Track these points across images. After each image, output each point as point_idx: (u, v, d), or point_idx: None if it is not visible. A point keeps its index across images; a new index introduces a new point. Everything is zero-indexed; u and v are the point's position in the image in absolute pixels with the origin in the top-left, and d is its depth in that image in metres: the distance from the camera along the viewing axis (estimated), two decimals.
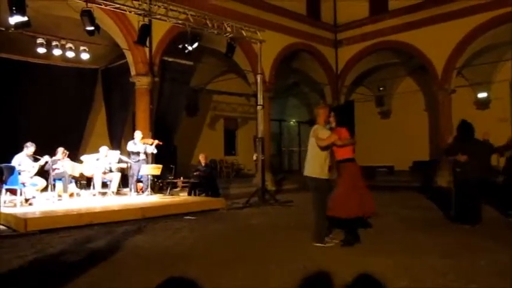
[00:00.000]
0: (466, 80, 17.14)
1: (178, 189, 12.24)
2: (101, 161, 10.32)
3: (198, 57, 14.23)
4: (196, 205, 9.43)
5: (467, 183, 7.09)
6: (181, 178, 12.53)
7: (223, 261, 5.04)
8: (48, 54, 12.23)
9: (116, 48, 12.69)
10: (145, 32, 10.46)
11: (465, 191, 7.15)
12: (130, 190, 10.83)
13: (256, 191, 10.95)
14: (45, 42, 11.81)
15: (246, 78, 15.80)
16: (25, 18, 8.43)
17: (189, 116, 17.07)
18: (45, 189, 9.35)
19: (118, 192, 10.74)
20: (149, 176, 10.89)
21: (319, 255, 5.17)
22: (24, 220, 6.70)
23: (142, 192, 10.94)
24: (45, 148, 9.49)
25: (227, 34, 11.56)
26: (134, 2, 10.00)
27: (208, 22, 11.13)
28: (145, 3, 10.30)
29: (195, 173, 11.30)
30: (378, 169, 18.00)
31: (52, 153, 9.62)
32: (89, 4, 9.09)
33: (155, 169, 10.75)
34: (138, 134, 11.07)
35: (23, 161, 8.79)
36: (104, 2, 9.54)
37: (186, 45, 10.83)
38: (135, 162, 10.84)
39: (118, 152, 11.26)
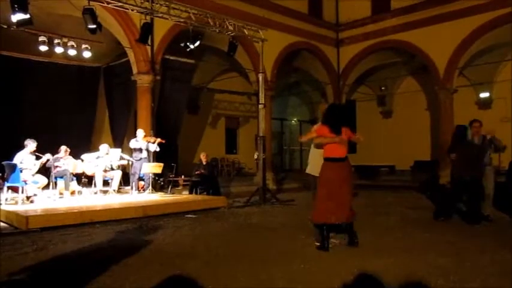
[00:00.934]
0: (468, 79, 17.12)
1: (180, 188, 12.26)
2: (102, 159, 10.34)
3: (199, 55, 14.25)
4: (197, 204, 9.44)
5: (456, 182, 7.50)
6: (182, 177, 12.54)
7: (224, 260, 5.05)
8: (50, 52, 12.25)
9: (117, 46, 12.70)
10: (147, 30, 10.47)
11: (455, 190, 7.60)
12: (132, 188, 10.85)
13: (257, 190, 10.95)
14: (47, 40, 11.84)
15: (247, 76, 15.81)
16: (27, 16, 8.45)
17: (190, 114, 17.08)
18: (46, 187, 9.38)
19: (119, 191, 10.76)
20: (150, 175, 10.91)
21: (319, 255, 5.17)
22: (26, 218, 6.72)
23: (144, 190, 10.96)
24: (47, 146, 9.52)
25: (229, 33, 11.55)
26: (136, 0, 10.00)
27: (210, 20, 11.12)
28: (147, 1, 10.29)
29: (196, 172, 11.31)
30: (380, 168, 18.01)
31: (54, 151, 9.65)
32: (91, 2, 9.09)
33: (156, 167, 10.77)
34: (140, 132, 11.08)
35: (25, 159, 8.81)
36: (106, 0, 9.55)
37: (188, 43, 10.84)
38: (136, 160, 10.86)
39: (119, 150, 11.28)
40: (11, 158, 8.76)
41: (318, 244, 5.45)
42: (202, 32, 11.30)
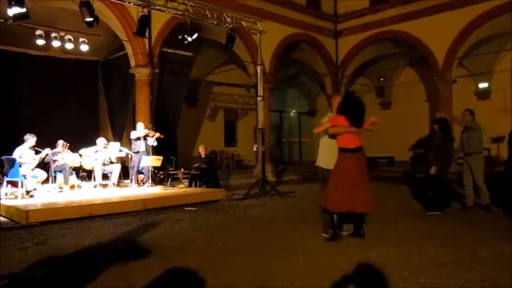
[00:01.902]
0: (467, 70, 17.08)
1: (179, 181, 12.25)
2: (101, 153, 10.33)
3: (197, 48, 14.18)
4: (196, 196, 9.45)
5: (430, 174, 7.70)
6: (182, 169, 12.54)
7: (224, 252, 5.06)
8: (47, 46, 12.18)
9: (115, 39, 12.63)
10: (144, 23, 10.42)
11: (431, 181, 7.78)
12: (131, 182, 10.85)
13: (256, 182, 10.97)
14: (43, 34, 11.73)
15: (246, 69, 15.75)
16: (23, 10, 8.40)
17: (189, 107, 17.05)
18: (46, 181, 9.39)
19: (119, 184, 10.77)
20: (150, 168, 10.91)
21: (319, 246, 5.19)
22: (26, 212, 6.73)
23: (143, 183, 10.96)
24: (47, 140, 9.52)
25: (227, 25, 11.50)
26: None
27: (207, 13, 11.07)
28: None
29: (195, 165, 11.31)
30: (379, 160, 18.02)
31: (54, 146, 9.64)
32: None
33: (156, 161, 10.77)
34: (140, 125, 11.07)
35: (24, 153, 8.80)
36: None
37: (186, 36, 10.80)
38: (135, 153, 10.85)
39: (118, 143, 11.27)
40: (10, 153, 8.76)
41: (327, 236, 5.47)
42: (200, 25, 11.25)
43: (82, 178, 10.38)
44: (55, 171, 9.54)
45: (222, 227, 6.77)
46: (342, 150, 5.44)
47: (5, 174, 8.64)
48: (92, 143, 10.59)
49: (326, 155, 5.74)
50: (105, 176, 10.52)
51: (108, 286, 3.83)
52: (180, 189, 10.82)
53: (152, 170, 11.13)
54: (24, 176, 8.62)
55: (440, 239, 5.47)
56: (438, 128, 7.80)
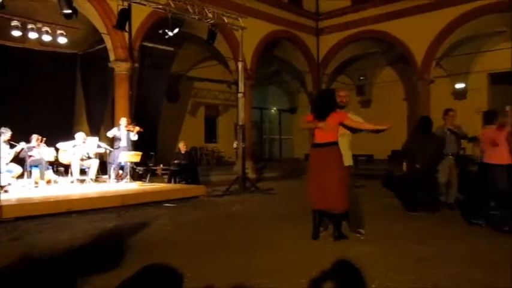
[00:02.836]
0: (445, 70, 17.38)
1: (158, 177, 12.15)
2: (78, 148, 10.15)
3: (179, 43, 14.06)
4: (176, 192, 9.39)
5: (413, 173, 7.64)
6: (161, 165, 12.45)
7: (203, 248, 5.05)
8: (24, 38, 11.89)
9: (94, 32, 12.40)
10: (124, 16, 10.25)
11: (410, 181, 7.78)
12: (110, 177, 10.71)
13: (236, 179, 10.96)
14: (20, 25, 11.47)
15: (227, 65, 15.70)
16: None
17: (169, 102, 16.90)
18: (21, 176, 9.18)
19: (97, 180, 10.61)
20: (129, 163, 10.78)
21: (298, 243, 5.21)
22: (0, 207, 6.56)
23: (122, 179, 10.83)
24: (23, 135, 9.31)
25: (208, 20, 11.43)
26: None
27: (189, 8, 10.98)
28: None
29: (175, 161, 11.24)
30: (358, 157, 18.20)
31: (29, 140, 9.44)
32: None
33: (135, 156, 10.64)
34: (123, 121, 10.93)
35: None
36: None
37: (167, 30, 10.66)
38: (115, 148, 10.72)
39: (96, 138, 11.09)
40: None
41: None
42: (181, 19, 11.13)
43: (59, 173, 10.19)
44: (30, 166, 9.33)
45: (202, 224, 6.75)
46: (311, 146, 5.50)
47: None
48: (67, 137, 10.40)
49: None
50: (83, 171, 10.34)
51: (84, 283, 3.78)
52: (159, 185, 10.73)
53: (131, 165, 10.99)
54: None
55: (418, 236, 5.57)
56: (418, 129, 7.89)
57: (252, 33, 13.61)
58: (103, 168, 11.14)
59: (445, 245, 5.09)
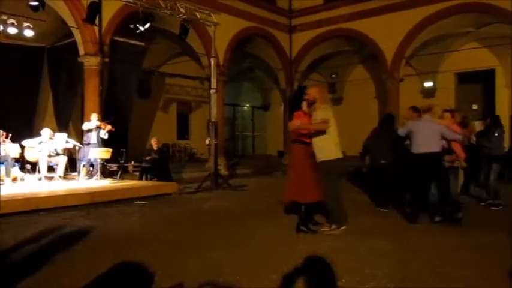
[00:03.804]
0: (414, 69, 17.76)
1: (130, 173, 11.97)
2: (45, 144, 9.88)
3: (150, 38, 13.85)
4: (147, 189, 9.28)
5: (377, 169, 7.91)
6: (133, 162, 12.27)
7: (175, 245, 5.01)
8: None
9: (63, 26, 12.09)
10: (94, 10, 10.06)
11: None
12: (79, 174, 10.49)
13: (209, 176, 10.92)
14: None
15: (200, 61, 15.58)
16: None
17: (141, 98, 16.65)
18: None
19: (65, 177, 10.37)
20: (99, 160, 10.58)
21: (270, 240, 5.24)
22: None
23: (92, 176, 10.62)
24: None
25: (180, 15, 11.31)
26: None
27: (161, 2, 10.83)
28: None
29: (147, 158, 11.11)
30: None
31: None
32: None
33: (105, 153, 10.46)
34: (94, 117, 10.73)
35: None
36: None
37: (138, 25, 10.52)
38: (86, 145, 10.51)
39: (65, 134, 10.84)
40: None
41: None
42: (153, 14, 10.98)
43: (26, 170, 9.91)
44: None
45: (173, 221, 6.70)
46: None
47: None
48: (30, 132, 10.13)
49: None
50: (51, 169, 10.09)
51: (52, 282, 3.70)
52: (130, 182, 10.57)
53: (101, 162, 10.79)
54: None
55: (385, 232, 5.69)
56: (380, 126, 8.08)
57: (224, 29, 13.56)
58: (72, 165, 10.90)
59: (412, 240, 5.22)
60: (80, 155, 10.65)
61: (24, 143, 9.76)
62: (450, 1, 14.10)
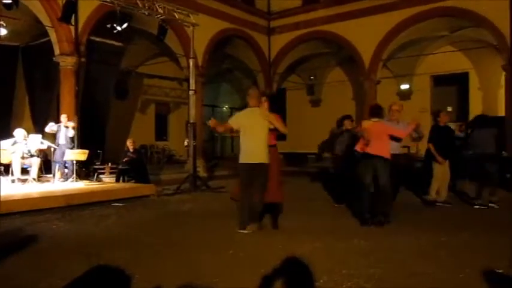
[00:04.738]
0: (391, 71, 18.04)
1: (106, 175, 11.80)
2: (19, 145, 9.64)
3: (128, 38, 13.69)
4: (124, 192, 9.17)
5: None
6: (109, 164, 12.10)
7: (152, 248, 4.96)
8: None
9: (37, 24, 11.84)
10: (70, 8, 9.86)
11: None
12: (54, 176, 10.27)
13: (187, 177, 10.84)
14: None
15: (178, 62, 15.49)
16: None
17: (118, 99, 16.44)
18: None
19: (40, 179, 10.14)
20: (74, 162, 10.38)
21: (248, 241, 5.24)
22: None
23: (67, 178, 10.42)
24: None
25: (158, 16, 11.21)
26: None
27: (138, 2, 10.72)
28: None
29: (124, 159, 10.96)
30: (308, 155, 18.56)
31: None
32: None
33: (81, 154, 10.28)
34: (63, 118, 10.52)
35: None
36: None
37: (115, 25, 10.36)
38: (57, 146, 10.30)
39: (40, 135, 10.60)
40: None
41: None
42: (130, 14, 10.85)
43: None
44: None
45: (151, 223, 6.64)
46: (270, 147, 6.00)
47: None
48: (5, 133, 9.87)
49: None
50: (25, 170, 9.85)
51: (26, 286, 3.61)
52: (107, 184, 10.42)
53: (77, 164, 10.59)
54: None
55: (362, 231, 5.75)
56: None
57: (203, 30, 13.50)
58: (48, 167, 10.67)
59: (387, 240, 5.30)
60: (55, 157, 10.43)
61: None
62: (426, 5, 14.37)
